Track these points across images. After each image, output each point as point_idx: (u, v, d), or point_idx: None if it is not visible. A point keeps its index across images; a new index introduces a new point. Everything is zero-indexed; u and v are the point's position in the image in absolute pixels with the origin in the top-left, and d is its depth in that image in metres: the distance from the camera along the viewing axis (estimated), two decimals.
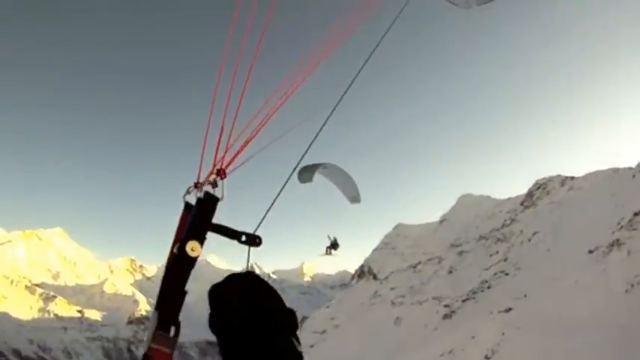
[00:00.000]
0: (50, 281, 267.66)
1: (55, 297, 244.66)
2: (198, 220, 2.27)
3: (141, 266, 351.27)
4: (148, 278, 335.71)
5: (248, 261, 2.56)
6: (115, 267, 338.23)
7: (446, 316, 75.79)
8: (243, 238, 2.39)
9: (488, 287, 74.90)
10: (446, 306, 79.31)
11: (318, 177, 21.61)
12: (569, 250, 68.68)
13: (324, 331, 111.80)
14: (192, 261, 2.19)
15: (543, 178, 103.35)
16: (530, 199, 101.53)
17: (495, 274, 77.98)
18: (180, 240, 2.20)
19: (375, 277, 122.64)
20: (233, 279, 1.96)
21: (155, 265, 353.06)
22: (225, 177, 2.45)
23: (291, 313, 1.91)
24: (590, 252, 64.31)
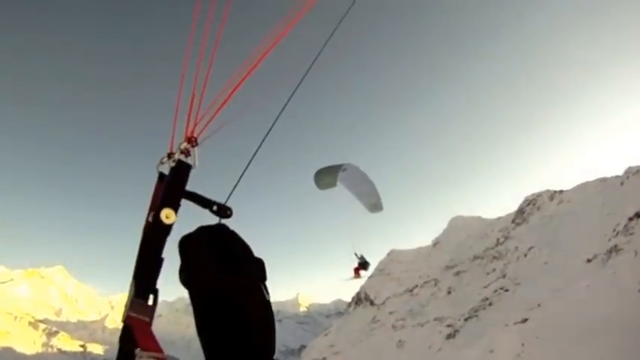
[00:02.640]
0: (53, 317, 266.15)
1: (57, 332, 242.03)
2: (171, 187, 2.25)
3: None
4: None
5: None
6: (116, 302, 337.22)
7: (449, 336, 70.99)
8: (215, 207, 2.33)
9: (490, 304, 70.77)
10: (448, 326, 74.56)
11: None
12: (567, 261, 65.92)
13: (324, 359, 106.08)
14: (167, 228, 2.16)
15: (532, 194, 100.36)
16: (521, 215, 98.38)
17: (495, 290, 73.81)
18: (155, 208, 2.18)
19: (372, 303, 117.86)
20: (202, 230, 2.01)
21: (159, 300, 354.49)
22: (196, 144, 2.39)
23: (259, 262, 2.00)
24: (589, 261, 61.87)
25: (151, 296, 2.01)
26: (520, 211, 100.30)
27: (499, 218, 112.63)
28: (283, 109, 3.00)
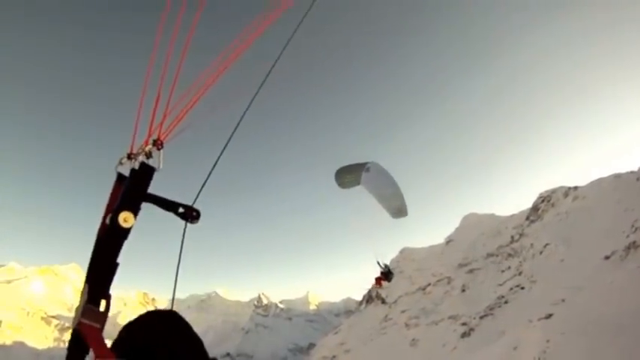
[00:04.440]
0: (66, 313, 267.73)
1: (70, 327, 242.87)
2: (132, 190, 2.16)
3: (153, 299, 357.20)
4: None
5: (183, 239, 2.40)
6: (128, 300, 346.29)
7: (464, 335, 70.88)
8: (180, 209, 2.27)
9: (506, 302, 70.69)
10: (463, 324, 74.29)
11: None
12: (585, 259, 65.22)
13: (334, 357, 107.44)
14: (124, 232, 2.08)
15: (547, 191, 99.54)
16: (535, 212, 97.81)
17: (511, 288, 73.53)
18: (113, 210, 2.10)
19: (383, 301, 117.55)
20: (150, 317, 1.99)
21: (166, 298, 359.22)
22: (162, 147, 2.32)
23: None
24: (607, 258, 60.95)
25: (103, 302, 1.98)
26: (534, 208, 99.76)
27: (513, 215, 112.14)
28: (250, 105, 2.98)
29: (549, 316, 42.45)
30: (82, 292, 2.01)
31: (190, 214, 2.25)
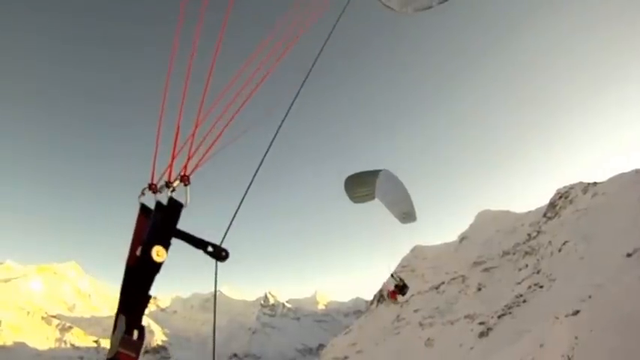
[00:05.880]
0: (66, 313, 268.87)
1: (71, 327, 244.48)
2: (163, 225, 2.24)
3: (155, 298, 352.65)
4: (162, 309, 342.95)
5: (216, 275, 2.47)
6: None
7: (482, 334, 70.90)
8: (210, 248, 2.33)
9: (524, 301, 70.40)
10: (481, 323, 74.38)
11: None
12: (606, 256, 64.68)
13: (345, 357, 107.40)
14: (157, 266, 2.19)
15: (564, 187, 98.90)
16: (552, 209, 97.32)
17: (530, 287, 73.34)
18: (144, 243, 2.18)
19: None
20: None
21: (169, 297, 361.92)
22: (189, 183, 2.39)
23: None
24: (629, 255, 60.43)
25: (135, 331, 2.10)
26: (552, 205, 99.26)
27: (529, 212, 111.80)
28: (274, 138, 3.02)
29: (576, 312, 42.12)
30: (117, 323, 2.11)
31: (219, 254, 2.30)
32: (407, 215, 15.47)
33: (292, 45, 2.86)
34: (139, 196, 2.37)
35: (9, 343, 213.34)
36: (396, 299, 20.25)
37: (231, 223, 2.61)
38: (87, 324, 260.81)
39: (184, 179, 2.35)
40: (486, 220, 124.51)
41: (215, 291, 2.64)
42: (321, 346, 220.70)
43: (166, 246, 2.16)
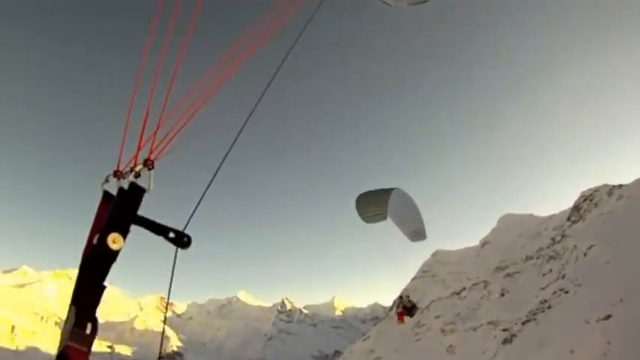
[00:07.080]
0: None
1: None
2: (121, 211, 2.16)
3: (171, 304, 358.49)
4: (178, 315, 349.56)
5: (174, 264, 2.42)
6: (145, 304, 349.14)
7: (506, 341, 70.43)
8: (171, 234, 2.26)
9: (549, 307, 69.69)
10: (504, 330, 73.93)
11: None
12: (633, 260, 63.75)
13: None
14: (113, 255, 2.11)
15: (589, 190, 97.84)
16: (577, 212, 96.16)
17: (555, 292, 72.64)
18: (101, 231, 2.10)
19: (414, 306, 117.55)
20: None
21: (185, 303, 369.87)
22: (153, 168, 2.33)
23: None
24: None
25: (89, 325, 2.05)
26: (576, 208, 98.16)
27: (553, 216, 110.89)
28: (243, 126, 3.00)
29: (608, 317, 41.67)
30: (68, 315, 2.05)
31: (181, 240, 2.27)
32: (416, 234, 15.54)
33: (268, 37, 2.93)
34: (103, 184, 2.35)
35: (22, 347, 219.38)
36: (403, 321, 20.57)
37: (196, 208, 2.62)
38: (100, 329, 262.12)
39: (148, 163, 2.33)
40: (509, 224, 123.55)
41: (170, 285, 2.58)
42: (337, 353, 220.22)
43: (124, 233, 2.12)
